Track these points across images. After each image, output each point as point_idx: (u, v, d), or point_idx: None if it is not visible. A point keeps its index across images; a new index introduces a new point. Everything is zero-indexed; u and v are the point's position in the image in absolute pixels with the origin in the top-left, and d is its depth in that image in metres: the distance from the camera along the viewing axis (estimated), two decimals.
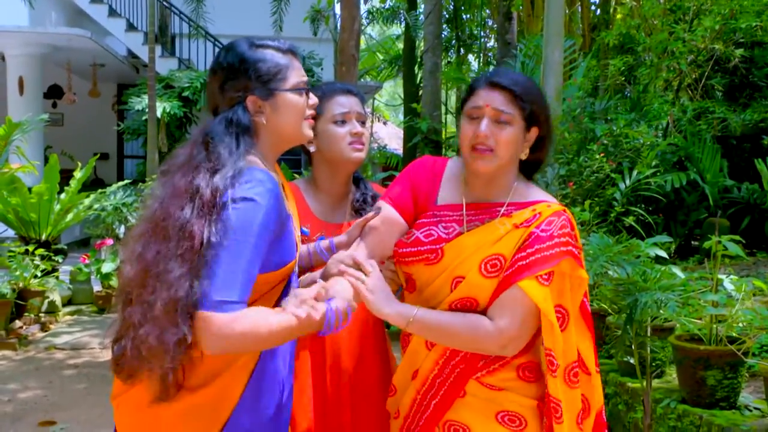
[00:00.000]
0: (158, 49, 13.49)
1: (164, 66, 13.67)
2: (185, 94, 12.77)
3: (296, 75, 1.90)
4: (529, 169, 2.04)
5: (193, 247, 1.66)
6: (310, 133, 1.96)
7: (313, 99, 1.96)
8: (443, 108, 15.68)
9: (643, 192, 7.47)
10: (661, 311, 2.99)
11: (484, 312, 1.87)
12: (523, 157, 1.96)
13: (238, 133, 1.82)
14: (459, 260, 1.89)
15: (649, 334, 3.36)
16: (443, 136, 14.46)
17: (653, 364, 3.93)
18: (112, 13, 14.15)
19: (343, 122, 2.41)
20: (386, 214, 2.02)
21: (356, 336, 2.38)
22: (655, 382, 3.97)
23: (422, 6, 15.15)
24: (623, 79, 10.94)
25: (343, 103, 2.42)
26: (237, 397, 1.80)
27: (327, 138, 2.41)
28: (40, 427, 4.86)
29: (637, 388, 3.94)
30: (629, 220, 6.63)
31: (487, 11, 18.89)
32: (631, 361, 3.41)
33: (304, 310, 1.73)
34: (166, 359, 1.65)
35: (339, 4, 8.56)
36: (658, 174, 7.55)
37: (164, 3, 14.51)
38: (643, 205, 7.66)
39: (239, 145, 1.80)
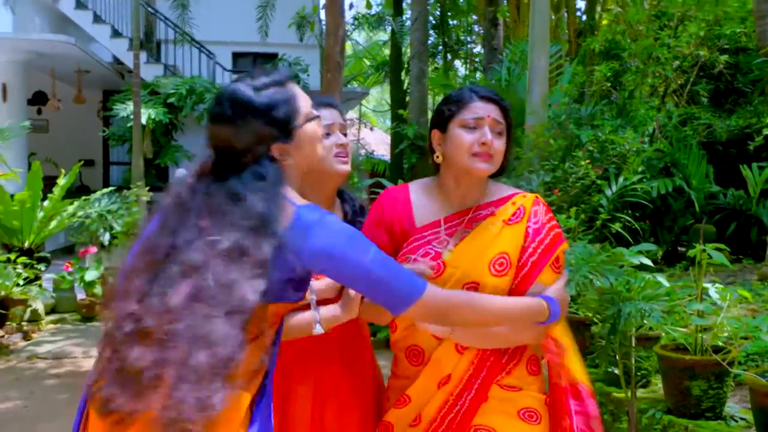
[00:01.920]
0: (143, 56, 13.45)
1: (150, 72, 13.61)
2: (170, 100, 12.71)
3: (303, 102, 1.85)
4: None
5: (247, 310, 1.62)
6: (323, 150, 2.01)
7: (321, 116, 1.95)
8: (430, 114, 15.67)
9: (629, 198, 7.47)
10: (644, 321, 2.96)
11: None
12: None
13: (275, 185, 1.75)
14: (463, 267, 1.97)
15: (633, 344, 3.34)
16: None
17: (638, 373, 3.90)
18: (97, 19, 14.07)
19: (328, 134, 2.38)
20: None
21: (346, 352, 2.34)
22: (641, 392, 3.95)
23: (408, 12, 15.15)
24: (609, 85, 10.96)
25: (326, 116, 2.38)
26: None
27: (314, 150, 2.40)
28: None
29: (622, 398, 3.91)
30: (616, 227, 6.63)
31: (474, 17, 18.93)
32: (616, 371, 3.38)
33: None
34: (200, 422, 1.55)
35: (324, 10, 8.52)
36: (645, 180, 7.55)
37: (150, 9, 14.45)
38: (629, 212, 7.65)
39: (280, 197, 1.74)
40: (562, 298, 1.97)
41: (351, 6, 14.37)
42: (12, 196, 8.43)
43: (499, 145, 2.01)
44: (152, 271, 1.70)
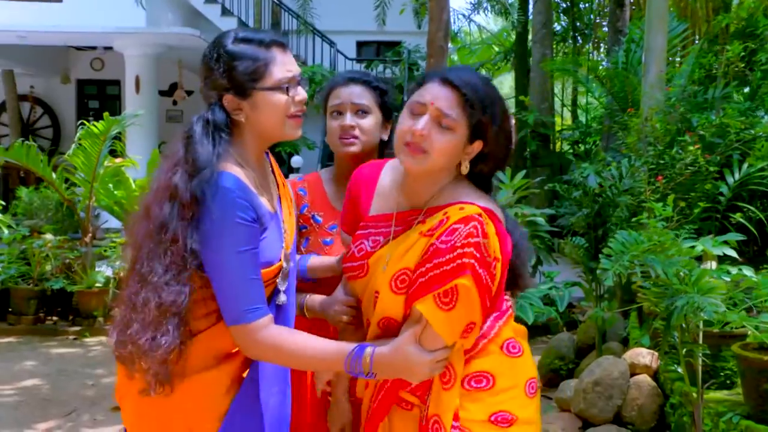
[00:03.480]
0: None
1: None
2: None
3: (280, 70, 1.82)
4: (479, 178, 1.85)
5: (178, 251, 1.71)
6: (294, 131, 1.89)
7: (301, 94, 1.87)
8: (556, 99, 15.24)
9: (754, 187, 6.92)
10: (702, 315, 2.71)
11: None
12: (464, 170, 1.78)
13: (215, 133, 1.80)
14: (374, 275, 1.80)
15: (700, 340, 3.07)
16: (556, 129, 14.03)
17: (721, 373, 3.61)
18: (225, 12, 14.56)
19: (339, 113, 2.33)
20: (345, 241, 2.02)
21: None
22: (722, 394, 3.65)
23: None
24: (743, 65, 10.22)
25: (338, 95, 2.34)
26: (229, 398, 1.83)
27: (328, 131, 2.37)
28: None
29: (706, 399, 3.62)
30: (736, 217, 6.15)
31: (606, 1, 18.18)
32: (679, 369, 3.12)
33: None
34: (154, 360, 1.71)
35: None
36: None
37: (275, 1, 14.81)
38: (759, 202, 7.08)
39: (215, 146, 1.78)
40: (396, 351, 1.68)
41: None
42: (135, 182, 8.88)
43: (441, 142, 1.70)
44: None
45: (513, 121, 1.82)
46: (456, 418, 1.72)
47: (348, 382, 2.08)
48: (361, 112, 2.31)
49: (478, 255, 1.64)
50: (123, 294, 1.79)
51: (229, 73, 1.79)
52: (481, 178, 1.83)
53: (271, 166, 2.02)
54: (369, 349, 1.71)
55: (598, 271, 3.41)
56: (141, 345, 1.70)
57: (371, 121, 2.31)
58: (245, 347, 1.77)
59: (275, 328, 1.77)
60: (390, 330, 1.77)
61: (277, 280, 1.87)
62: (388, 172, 1.92)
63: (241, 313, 1.72)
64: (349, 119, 2.29)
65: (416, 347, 1.68)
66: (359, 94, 2.33)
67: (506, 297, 1.87)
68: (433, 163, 1.73)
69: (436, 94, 1.72)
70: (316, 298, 2.12)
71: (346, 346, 1.73)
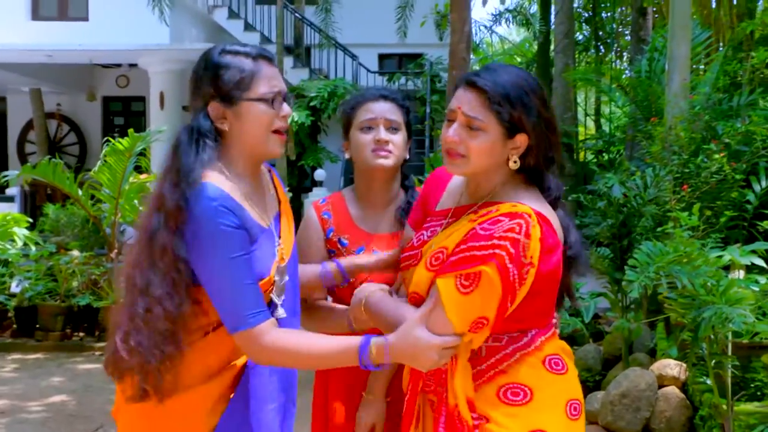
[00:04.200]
0: (290, 60, 13.97)
1: (296, 76, 14.06)
2: (313, 103, 13.06)
3: (265, 84, 1.84)
4: (535, 175, 1.84)
5: (170, 262, 1.73)
6: (276, 149, 1.90)
7: (285, 110, 1.89)
8: (579, 109, 15.15)
9: None
10: (732, 326, 2.66)
11: None
12: (513, 165, 1.77)
13: (199, 140, 1.82)
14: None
15: (729, 352, 3.02)
16: (579, 138, 13.93)
17: (752, 384, 3.55)
18: (248, 27, 14.70)
19: (369, 128, 2.32)
20: (408, 237, 2.01)
21: None
22: (754, 406, 3.58)
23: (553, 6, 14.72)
24: None
25: (370, 109, 2.33)
26: (217, 416, 1.84)
27: (355, 146, 2.35)
28: None
29: (737, 411, 3.55)
30: (764, 225, 6.05)
31: (626, 9, 18.08)
32: (708, 381, 3.07)
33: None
34: (155, 369, 1.74)
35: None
36: None
37: (296, 15, 14.91)
38: None
39: (198, 153, 1.80)
40: (403, 336, 1.65)
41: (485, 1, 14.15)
42: None
43: (475, 143, 1.73)
44: None
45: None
46: (473, 408, 1.70)
47: (386, 379, 2.11)
48: (393, 128, 2.32)
49: (512, 251, 1.62)
50: (120, 307, 1.82)
51: (215, 82, 1.82)
52: (537, 174, 1.82)
53: (273, 182, 2.05)
54: (375, 340, 1.68)
55: (623, 282, 3.38)
56: (145, 354, 1.72)
57: (401, 138, 2.33)
58: (251, 353, 1.77)
59: (280, 331, 1.76)
60: (418, 306, 1.76)
61: (272, 295, 1.88)
62: None
63: (242, 319, 1.72)
64: (383, 133, 2.29)
65: (423, 330, 1.65)
66: (392, 111, 2.34)
67: (556, 315, 1.85)
68: (474, 166, 1.75)
69: (461, 99, 1.75)
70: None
71: (354, 341, 1.70)
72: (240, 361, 1.87)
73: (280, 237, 1.93)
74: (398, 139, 2.32)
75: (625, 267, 4.85)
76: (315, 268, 2.19)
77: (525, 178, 1.82)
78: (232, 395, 1.85)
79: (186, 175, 1.74)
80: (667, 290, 2.80)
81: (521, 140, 1.75)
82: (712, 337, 2.78)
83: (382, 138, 2.29)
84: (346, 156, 2.42)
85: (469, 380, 1.71)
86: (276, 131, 1.86)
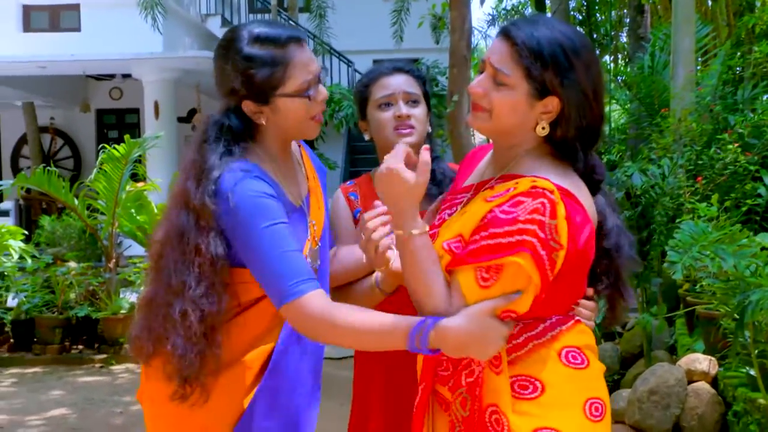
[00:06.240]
0: None
1: None
2: None
3: (299, 74, 1.73)
4: (566, 150, 1.63)
5: (204, 262, 1.65)
6: (313, 133, 1.82)
7: (322, 93, 1.78)
8: None
9: None
10: None
11: None
12: (542, 132, 1.59)
13: (230, 140, 1.73)
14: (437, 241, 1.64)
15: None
16: None
17: None
18: None
19: (388, 105, 2.20)
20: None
21: None
22: None
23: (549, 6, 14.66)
24: None
25: (387, 85, 2.21)
26: (247, 400, 1.76)
27: (374, 124, 2.24)
28: None
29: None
30: None
31: (624, 11, 18.04)
32: (752, 372, 2.91)
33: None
34: (194, 370, 1.67)
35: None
36: None
37: (291, 22, 14.78)
38: None
39: (226, 154, 1.71)
40: (472, 320, 1.47)
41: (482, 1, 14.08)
42: (156, 206, 8.77)
43: (498, 98, 1.58)
44: None
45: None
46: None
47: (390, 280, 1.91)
48: (412, 101, 2.20)
49: (542, 235, 1.45)
50: (150, 301, 1.75)
51: (247, 81, 1.71)
52: (568, 149, 1.62)
53: (302, 159, 1.96)
54: (435, 321, 1.50)
55: (665, 265, 3.18)
56: (183, 360, 1.66)
57: (422, 111, 2.21)
58: (298, 325, 1.65)
59: (328, 302, 1.63)
60: None
61: None
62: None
63: (286, 290, 1.60)
64: (404, 108, 2.16)
65: (494, 318, 1.49)
66: (409, 83, 2.22)
67: (594, 304, 1.68)
68: (497, 122, 1.59)
69: (493, 49, 1.60)
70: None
71: (411, 319, 1.53)
72: (268, 346, 1.78)
73: (310, 216, 1.85)
74: (419, 112, 2.19)
75: (646, 258, 4.72)
76: (355, 253, 2.00)
77: (554, 151, 1.64)
78: (261, 378, 1.77)
79: (209, 173, 1.67)
80: (703, 278, 2.64)
81: (552, 104, 1.57)
82: (756, 324, 2.62)
83: (404, 113, 2.17)
84: (366, 137, 2.29)
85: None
86: (313, 117, 1.78)
